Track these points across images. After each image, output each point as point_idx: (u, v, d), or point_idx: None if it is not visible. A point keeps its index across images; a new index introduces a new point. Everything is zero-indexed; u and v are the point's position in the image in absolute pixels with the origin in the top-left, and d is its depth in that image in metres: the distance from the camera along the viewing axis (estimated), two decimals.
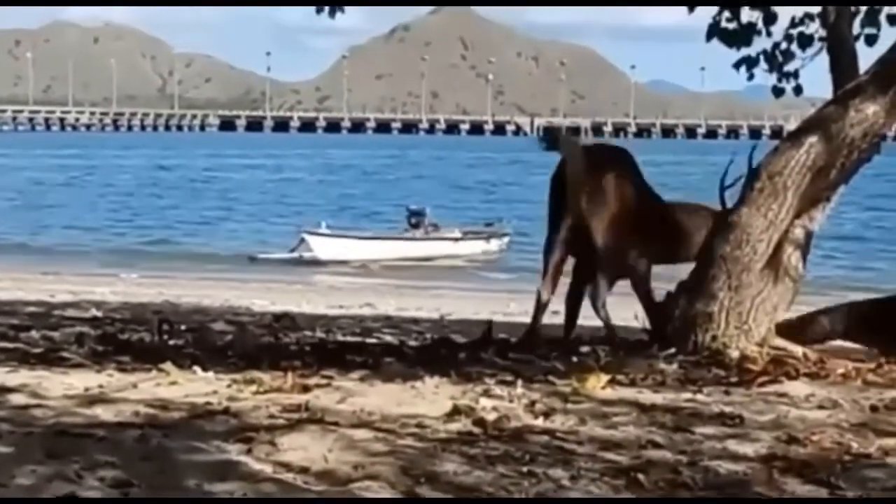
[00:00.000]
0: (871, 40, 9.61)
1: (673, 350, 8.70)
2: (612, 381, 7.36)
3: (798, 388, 7.23)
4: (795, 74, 11.23)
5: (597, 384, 7.05)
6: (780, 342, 8.96)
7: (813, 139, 8.84)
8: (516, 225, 33.93)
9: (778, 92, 11.29)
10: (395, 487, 5.26)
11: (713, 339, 8.80)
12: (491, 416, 6.43)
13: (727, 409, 6.64)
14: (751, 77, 11.72)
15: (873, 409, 6.74)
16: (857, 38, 9.53)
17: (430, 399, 6.86)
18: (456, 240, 30.34)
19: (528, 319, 16.05)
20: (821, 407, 6.76)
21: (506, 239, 31.55)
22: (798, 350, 8.87)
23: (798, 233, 9.13)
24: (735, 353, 8.69)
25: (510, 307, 18.36)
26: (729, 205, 9.13)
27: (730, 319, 8.83)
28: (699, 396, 7.02)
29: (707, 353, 8.66)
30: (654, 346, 8.86)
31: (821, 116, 8.97)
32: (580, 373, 7.35)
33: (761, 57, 10.09)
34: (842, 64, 9.45)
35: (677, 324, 8.93)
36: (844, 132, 8.80)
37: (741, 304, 8.84)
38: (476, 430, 6.21)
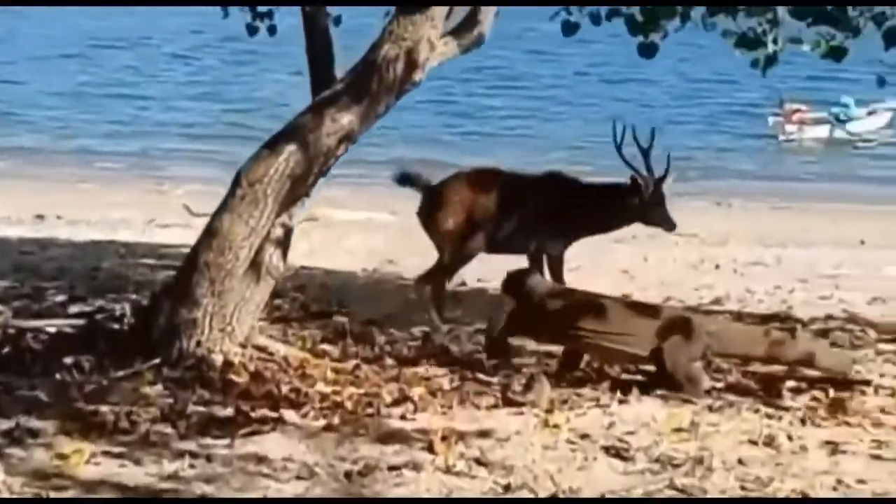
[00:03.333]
0: None
1: (158, 360, 8.76)
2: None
3: (275, 445, 7.30)
4: (269, 15, 11.44)
5: None
6: (262, 341, 9.23)
7: (291, 148, 8.96)
8: None
9: (252, 31, 11.51)
10: None
11: (198, 344, 8.91)
12: None
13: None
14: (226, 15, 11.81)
15: (347, 475, 6.89)
16: None
17: None
18: None
19: None
20: (299, 478, 6.85)
21: None
22: (280, 349, 9.18)
23: (278, 231, 9.31)
24: (219, 358, 8.84)
25: None
26: None
27: (213, 324, 8.95)
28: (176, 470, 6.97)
29: (192, 362, 8.78)
30: (137, 356, 8.82)
31: (298, 125, 9.05)
32: None
33: None
34: (316, 52, 9.53)
35: (162, 330, 8.97)
36: (321, 141, 8.97)
37: (224, 308, 8.97)
38: None
